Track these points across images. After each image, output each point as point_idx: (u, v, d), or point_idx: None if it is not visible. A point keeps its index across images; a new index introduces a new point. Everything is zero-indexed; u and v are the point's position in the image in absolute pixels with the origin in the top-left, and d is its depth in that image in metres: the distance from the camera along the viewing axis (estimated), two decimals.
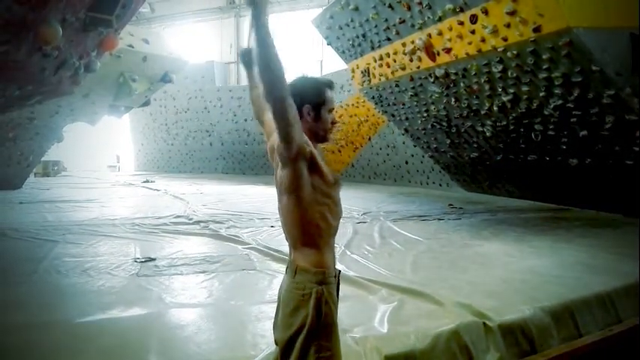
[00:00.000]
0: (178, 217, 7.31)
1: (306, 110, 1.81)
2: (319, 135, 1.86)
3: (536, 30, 4.95)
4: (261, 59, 1.54)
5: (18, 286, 3.77)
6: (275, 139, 1.73)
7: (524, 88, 5.67)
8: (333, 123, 1.89)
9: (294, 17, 18.18)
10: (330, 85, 1.88)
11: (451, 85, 6.74)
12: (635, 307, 3.46)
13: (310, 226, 1.77)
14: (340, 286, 1.92)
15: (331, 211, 1.81)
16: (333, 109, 1.90)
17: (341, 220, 1.88)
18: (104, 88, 9.84)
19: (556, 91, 5.33)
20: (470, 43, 5.88)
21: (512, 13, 5.11)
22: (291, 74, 1.90)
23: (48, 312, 3.17)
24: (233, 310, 3.28)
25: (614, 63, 4.69)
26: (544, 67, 5.20)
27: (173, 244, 5.49)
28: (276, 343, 1.86)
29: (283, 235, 1.89)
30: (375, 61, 7.95)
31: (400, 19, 6.71)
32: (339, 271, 1.92)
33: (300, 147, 1.66)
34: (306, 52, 17.57)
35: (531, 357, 2.89)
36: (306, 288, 1.74)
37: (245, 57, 2.29)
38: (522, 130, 6.30)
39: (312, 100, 1.82)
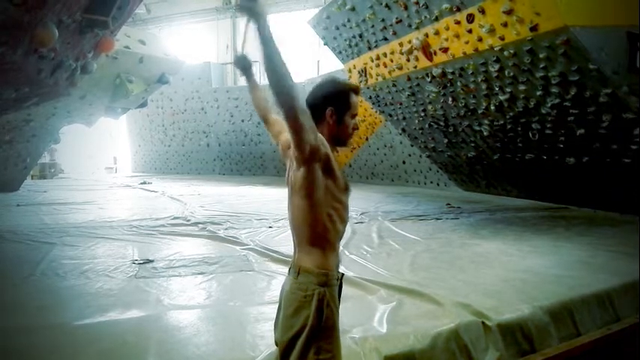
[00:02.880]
0: (176, 218, 7.29)
1: (329, 113, 1.79)
2: (340, 140, 1.85)
3: (533, 29, 4.96)
4: (270, 71, 1.51)
5: (15, 289, 3.76)
6: (288, 137, 1.70)
7: (522, 87, 5.67)
8: (355, 129, 1.88)
9: (290, 18, 18.16)
10: (356, 90, 1.87)
11: (448, 85, 6.75)
12: (634, 305, 3.47)
13: (318, 225, 1.76)
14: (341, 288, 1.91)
15: (340, 216, 1.80)
16: (357, 114, 1.89)
17: None
18: (101, 90, 9.83)
19: (553, 90, 5.34)
20: (467, 43, 5.89)
21: (509, 12, 5.12)
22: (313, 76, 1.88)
23: (46, 314, 3.16)
24: (232, 312, 3.27)
25: (610, 61, 4.70)
26: (541, 65, 5.22)
27: (171, 245, 5.47)
28: (277, 344, 1.85)
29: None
30: (372, 61, 7.96)
31: (397, 18, 6.72)
32: (342, 274, 1.90)
33: (314, 148, 1.63)
34: (303, 53, 17.56)
35: (530, 356, 2.89)
36: (308, 289, 1.73)
37: (241, 63, 2.27)
38: (519, 129, 6.31)
39: (337, 104, 1.80)
